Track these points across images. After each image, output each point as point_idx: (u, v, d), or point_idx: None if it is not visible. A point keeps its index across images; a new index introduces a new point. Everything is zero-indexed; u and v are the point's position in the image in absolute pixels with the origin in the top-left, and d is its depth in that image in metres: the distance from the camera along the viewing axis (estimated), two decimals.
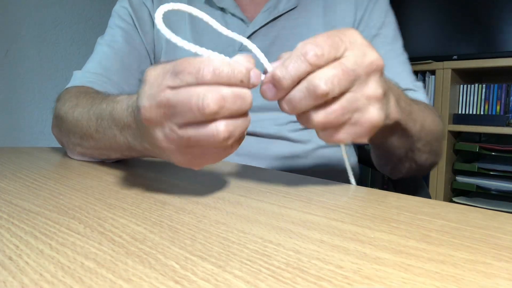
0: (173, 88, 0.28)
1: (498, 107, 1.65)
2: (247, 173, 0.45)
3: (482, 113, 1.68)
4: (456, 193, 1.74)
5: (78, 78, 0.62)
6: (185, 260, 0.20)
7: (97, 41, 0.68)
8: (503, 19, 1.58)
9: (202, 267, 0.19)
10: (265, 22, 0.63)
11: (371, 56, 0.31)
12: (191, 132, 0.28)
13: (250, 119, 0.31)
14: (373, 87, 0.31)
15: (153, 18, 0.66)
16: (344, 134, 0.32)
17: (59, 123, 0.53)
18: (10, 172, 0.42)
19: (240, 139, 0.31)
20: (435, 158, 0.55)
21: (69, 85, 0.62)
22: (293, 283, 0.18)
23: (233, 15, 0.64)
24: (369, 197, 0.35)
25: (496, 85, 1.65)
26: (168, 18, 0.65)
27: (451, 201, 1.67)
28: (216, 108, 0.27)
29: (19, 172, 0.42)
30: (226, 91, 0.27)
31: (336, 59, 0.30)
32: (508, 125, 1.54)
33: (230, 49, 0.63)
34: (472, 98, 1.70)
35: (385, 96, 0.33)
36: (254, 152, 0.62)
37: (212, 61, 0.27)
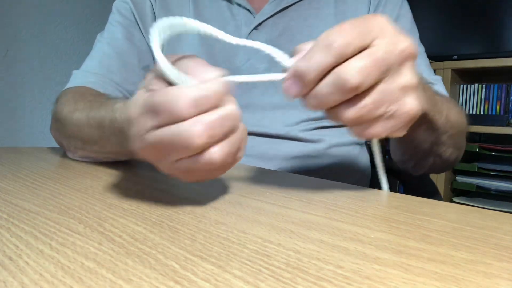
0: (156, 128, 0.26)
1: (498, 107, 1.65)
2: (247, 173, 0.45)
3: (482, 113, 1.68)
4: (456, 193, 1.74)
5: (78, 78, 0.61)
6: (185, 260, 0.20)
7: (96, 38, 0.66)
8: (503, 19, 1.58)
9: (202, 267, 0.19)
10: (273, 13, 0.62)
11: (403, 43, 0.28)
12: (188, 164, 0.27)
13: (246, 129, 0.29)
14: (407, 76, 0.29)
15: (155, 12, 0.64)
16: (380, 128, 0.30)
17: (59, 127, 0.53)
18: (10, 172, 0.42)
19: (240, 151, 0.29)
20: (459, 152, 0.52)
21: (68, 85, 0.60)
22: (293, 283, 0.18)
23: (239, 5, 0.63)
24: (369, 197, 0.35)
25: (496, 85, 1.65)
26: (172, 11, 0.64)
27: (451, 201, 1.67)
28: (206, 140, 0.25)
29: (19, 172, 0.42)
30: (211, 117, 0.25)
31: (364, 48, 0.27)
32: (508, 125, 1.54)
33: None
34: (472, 98, 1.70)
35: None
36: (263, 152, 0.60)
37: (187, 92, 0.25)
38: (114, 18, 0.66)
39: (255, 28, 0.62)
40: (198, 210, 0.29)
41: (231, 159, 0.28)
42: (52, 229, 0.24)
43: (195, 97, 0.25)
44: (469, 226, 0.27)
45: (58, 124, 0.53)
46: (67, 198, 0.32)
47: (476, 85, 1.69)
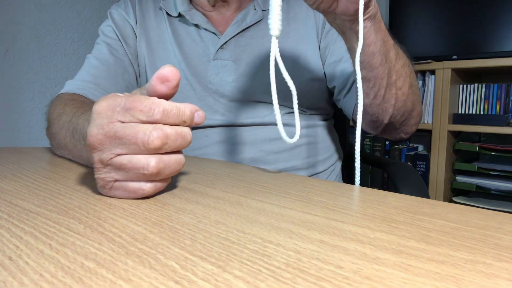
0: (122, 122, 0.30)
1: (498, 107, 1.65)
2: (247, 173, 0.45)
3: (481, 113, 1.68)
4: (456, 193, 1.74)
5: (69, 86, 0.69)
6: (185, 260, 0.20)
7: (86, 57, 0.75)
8: (503, 19, 1.58)
9: (202, 267, 0.19)
10: (234, 34, 0.71)
11: None
12: (126, 161, 0.30)
13: (184, 161, 0.33)
14: None
15: (136, 33, 0.75)
16: None
17: (48, 127, 0.59)
18: (10, 172, 0.42)
19: (167, 180, 0.33)
20: (414, 91, 0.58)
21: (61, 92, 0.68)
22: (293, 283, 0.18)
23: (206, 30, 0.72)
24: (369, 197, 0.35)
25: (496, 85, 1.65)
26: (151, 33, 0.76)
27: (451, 201, 1.67)
28: (160, 144, 0.29)
29: (19, 172, 0.42)
30: (170, 130, 0.30)
31: None
32: (508, 125, 1.54)
33: (205, 58, 0.71)
34: (472, 98, 1.70)
35: None
36: (245, 139, 0.69)
37: (162, 102, 0.30)
38: (100, 39, 0.76)
39: (221, 47, 0.70)
40: (198, 210, 0.29)
41: (161, 176, 0.31)
42: (52, 229, 0.24)
43: (168, 108, 0.30)
44: (469, 226, 0.27)
45: (48, 125, 0.59)
46: (67, 198, 0.32)
47: (476, 85, 1.69)
